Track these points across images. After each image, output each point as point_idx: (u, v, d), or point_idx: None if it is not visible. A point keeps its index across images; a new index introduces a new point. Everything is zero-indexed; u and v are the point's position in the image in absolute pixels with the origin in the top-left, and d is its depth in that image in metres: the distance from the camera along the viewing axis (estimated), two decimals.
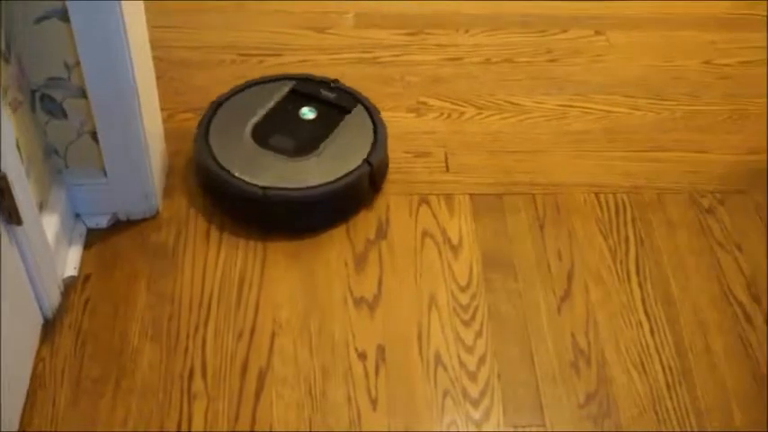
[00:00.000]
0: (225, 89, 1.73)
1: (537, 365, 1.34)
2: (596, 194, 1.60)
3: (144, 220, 1.50)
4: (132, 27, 1.29)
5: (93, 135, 1.40)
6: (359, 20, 1.95)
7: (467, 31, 1.95)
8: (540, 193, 1.59)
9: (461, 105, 1.76)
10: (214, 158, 1.52)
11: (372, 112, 1.62)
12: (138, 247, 1.46)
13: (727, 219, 1.56)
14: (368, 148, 1.55)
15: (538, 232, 1.53)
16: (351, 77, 1.79)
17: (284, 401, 1.28)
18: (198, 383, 1.30)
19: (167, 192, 1.55)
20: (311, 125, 1.59)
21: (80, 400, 1.27)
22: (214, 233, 1.49)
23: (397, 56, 1.88)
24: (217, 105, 1.62)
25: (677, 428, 1.28)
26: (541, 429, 1.27)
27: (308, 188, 1.48)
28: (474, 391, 1.31)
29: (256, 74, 1.77)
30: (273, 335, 1.36)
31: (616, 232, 1.54)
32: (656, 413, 1.30)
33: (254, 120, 1.59)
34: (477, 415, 1.29)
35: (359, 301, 1.41)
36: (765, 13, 2.01)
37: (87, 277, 1.42)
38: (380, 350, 1.35)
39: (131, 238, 1.48)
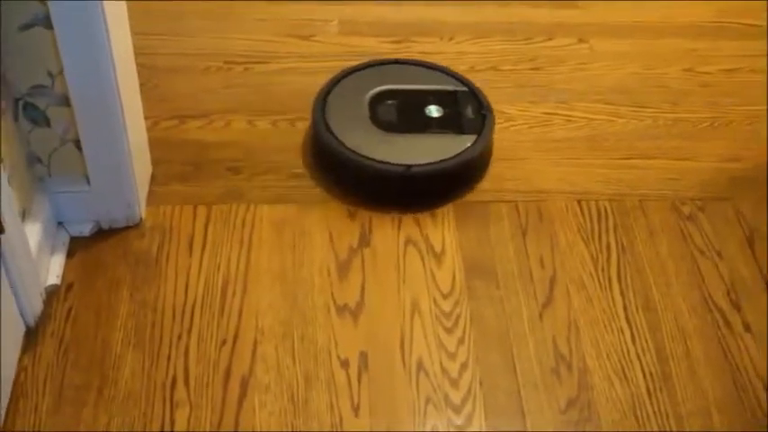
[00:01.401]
0: (210, 96, 1.75)
1: (519, 372, 1.35)
2: (578, 202, 1.61)
3: (127, 227, 1.50)
4: (115, 34, 1.30)
5: (77, 143, 1.40)
6: (343, 27, 1.96)
7: (451, 39, 1.96)
8: (522, 200, 1.60)
9: None
10: (345, 146, 1.56)
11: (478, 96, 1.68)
12: (121, 255, 1.47)
13: (707, 226, 1.58)
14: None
15: (520, 239, 1.54)
16: None
17: (267, 409, 1.29)
18: (181, 391, 1.30)
19: (150, 199, 1.55)
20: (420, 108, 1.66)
21: (62, 408, 1.27)
22: (197, 241, 1.50)
23: None
24: (325, 94, 1.66)
25: None
26: None
27: (445, 160, 1.55)
28: (456, 398, 1.32)
29: (242, 81, 1.79)
30: (256, 342, 1.37)
31: (598, 239, 1.55)
32: (637, 419, 1.31)
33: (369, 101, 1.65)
34: (458, 421, 1.29)
35: (342, 309, 1.41)
36: (745, 22, 2.03)
37: (70, 285, 1.42)
38: (363, 357, 1.35)
39: (114, 246, 1.48)
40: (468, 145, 1.59)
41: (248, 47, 1.89)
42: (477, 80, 1.74)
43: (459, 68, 1.80)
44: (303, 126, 1.72)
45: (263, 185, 1.60)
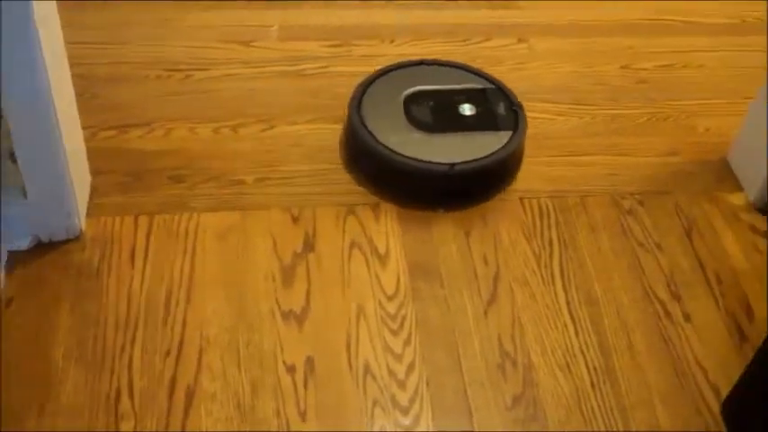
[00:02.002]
0: (151, 105, 1.73)
1: (465, 370, 1.36)
2: (521, 199, 1.62)
3: (67, 240, 1.48)
4: (48, 44, 1.28)
5: (12, 156, 1.38)
6: (283, 32, 1.96)
7: (392, 42, 1.97)
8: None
9: None
10: (386, 146, 1.58)
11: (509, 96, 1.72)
12: (62, 269, 1.45)
13: (647, 219, 1.60)
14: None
15: (463, 239, 1.55)
16: (277, 90, 1.80)
17: (213, 417, 1.28)
18: (125, 403, 1.29)
19: (91, 211, 1.53)
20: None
21: (4, 425, 1.25)
22: (139, 251, 1.48)
23: (324, 67, 1.89)
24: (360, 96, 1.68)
25: (603, 427, 1.31)
26: None
27: (484, 158, 1.58)
28: (403, 399, 1.32)
29: (182, 89, 1.78)
30: (201, 351, 1.36)
31: (540, 236, 1.56)
32: (582, 413, 1.32)
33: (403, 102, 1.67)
34: (406, 422, 1.30)
35: (287, 315, 1.41)
36: (679, 19, 2.08)
37: (9, 301, 1.39)
38: (309, 362, 1.35)
39: (54, 259, 1.46)
40: (506, 141, 1.62)
41: (188, 54, 1.88)
42: None
43: None
44: (245, 132, 1.72)
45: (206, 193, 1.60)
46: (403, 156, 1.58)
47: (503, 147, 1.61)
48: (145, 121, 1.72)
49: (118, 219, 1.53)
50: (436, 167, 1.57)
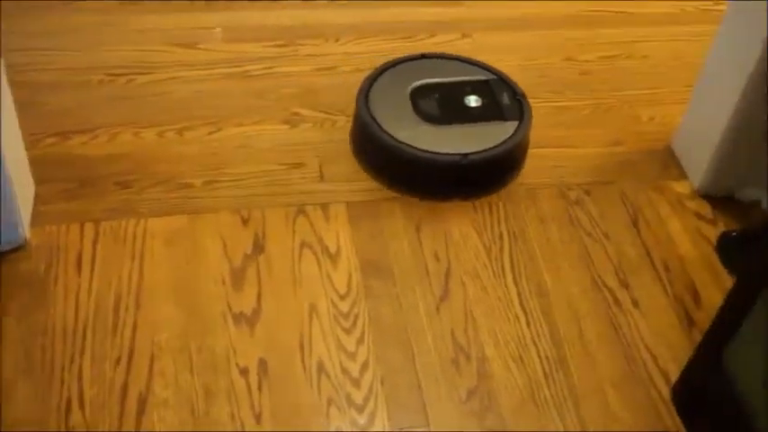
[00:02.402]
0: (93, 110, 1.71)
1: (418, 366, 1.36)
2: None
3: (12, 250, 1.46)
4: None
5: None
6: (227, 34, 1.94)
7: (337, 40, 1.96)
8: (414, 195, 1.62)
9: (334, 114, 1.77)
10: (396, 139, 1.60)
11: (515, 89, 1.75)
12: (7, 279, 1.42)
13: (594, 209, 1.62)
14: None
15: (414, 235, 1.55)
16: (223, 92, 1.79)
17: (166, 424, 1.27)
18: (76, 414, 1.27)
19: (36, 220, 1.51)
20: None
21: None
22: (86, 259, 1.46)
23: (269, 68, 1.88)
24: (366, 92, 1.69)
25: (556, 415, 1.32)
26: (425, 429, 1.29)
27: (496, 147, 1.61)
28: (358, 397, 1.32)
29: (126, 93, 1.76)
30: (153, 357, 1.34)
31: (490, 230, 1.57)
32: (536, 402, 1.33)
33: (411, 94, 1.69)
34: (362, 420, 1.30)
35: (238, 317, 1.40)
36: (618, 10, 2.10)
37: None
38: (262, 364, 1.35)
39: None
40: (513, 131, 1.64)
41: (130, 58, 1.86)
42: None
43: (345, 69, 1.81)
44: (192, 135, 1.70)
45: (153, 198, 1.58)
46: (414, 147, 1.59)
47: (511, 136, 1.64)
48: (89, 127, 1.70)
49: (63, 226, 1.51)
50: (448, 158, 1.59)
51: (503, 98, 1.71)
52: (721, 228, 1.60)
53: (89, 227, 1.51)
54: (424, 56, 1.81)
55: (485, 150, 1.61)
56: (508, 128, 1.65)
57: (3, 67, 1.38)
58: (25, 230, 1.47)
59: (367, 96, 1.69)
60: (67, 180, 1.60)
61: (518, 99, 1.71)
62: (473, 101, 1.70)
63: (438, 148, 1.60)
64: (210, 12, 1.99)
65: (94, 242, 1.49)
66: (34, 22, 1.90)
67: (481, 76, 1.76)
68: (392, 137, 1.61)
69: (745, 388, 1.15)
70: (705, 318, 1.44)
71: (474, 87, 1.73)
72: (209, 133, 1.71)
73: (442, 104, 1.69)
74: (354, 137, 1.71)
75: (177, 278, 1.45)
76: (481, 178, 1.64)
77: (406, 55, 1.80)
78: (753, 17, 1.47)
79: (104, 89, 1.79)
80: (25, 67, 1.77)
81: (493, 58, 1.93)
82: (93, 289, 1.42)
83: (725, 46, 1.58)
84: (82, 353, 1.34)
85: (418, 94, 1.70)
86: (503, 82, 1.75)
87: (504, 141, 1.63)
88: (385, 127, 1.62)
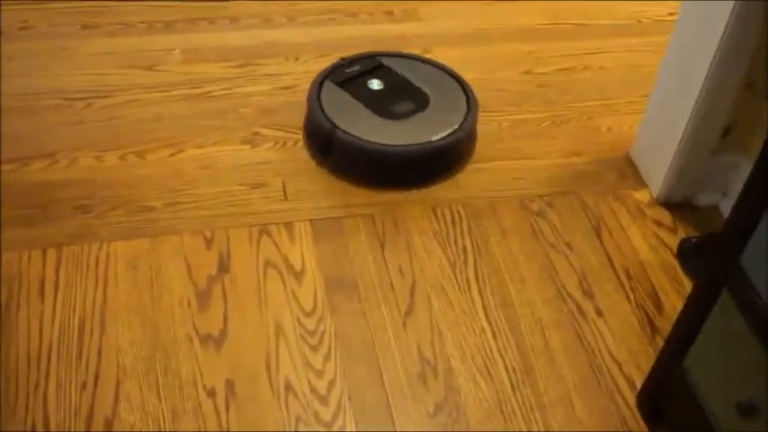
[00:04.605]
0: (52, 136, 1.70)
1: (386, 382, 1.37)
2: (432, 208, 1.64)
3: None
4: None
5: None
6: (186, 55, 1.94)
7: (297, 59, 1.97)
8: (377, 212, 1.62)
9: (295, 133, 1.78)
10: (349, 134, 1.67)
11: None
12: None
13: (556, 220, 1.64)
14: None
15: (378, 251, 1.56)
16: (182, 113, 1.79)
17: None
18: None
19: None
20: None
21: None
22: (49, 285, 1.45)
23: (228, 89, 1.88)
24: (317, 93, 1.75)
25: (524, 426, 1.33)
26: None
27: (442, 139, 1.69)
28: (326, 415, 1.32)
29: (85, 117, 1.75)
30: (119, 381, 1.33)
31: (454, 243, 1.58)
32: (503, 414, 1.34)
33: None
34: None
35: (205, 339, 1.40)
36: (575, 22, 2.14)
37: None
38: (230, 385, 1.34)
39: None
40: (458, 125, 1.71)
41: (88, 82, 1.85)
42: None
43: (305, 87, 1.81)
44: (153, 158, 1.70)
45: (115, 222, 1.57)
46: (371, 142, 1.65)
47: (458, 127, 1.71)
48: (48, 152, 1.69)
49: (25, 253, 1.50)
50: (403, 149, 1.66)
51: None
52: (681, 234, 1.63)
53: (51, 252, 1.50)
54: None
55: (430, 142, 1.67)
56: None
57: None
58: None
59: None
60: (28, 206, 1.58)
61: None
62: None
63: (393, 141, 1.67)
64: (169, 34, 1.99)
65: (57, 268, 1.48)
66: None
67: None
68: (345, 131, 1.66)
69: (707, 392, 1.17)
70: (667, 324, 1.46)
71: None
72: (171, 155, 1.71)
73: (392, 98, 1.75)
74: (310, 134, 1.75)
75: (142, 301, 1.44)
76: (425, 169, 1.70)
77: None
78: (703, 25, 1.49)
79: (62, 114, 1.78)
80: None
81: None
82: (56, 315, 1.41)
83: (677, 54, 1.61)
84: (47, 378, 1.33)
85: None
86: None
87: (453, 132, 1.69)
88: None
